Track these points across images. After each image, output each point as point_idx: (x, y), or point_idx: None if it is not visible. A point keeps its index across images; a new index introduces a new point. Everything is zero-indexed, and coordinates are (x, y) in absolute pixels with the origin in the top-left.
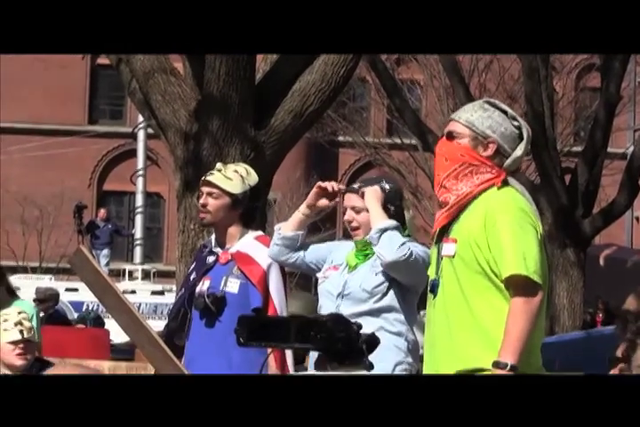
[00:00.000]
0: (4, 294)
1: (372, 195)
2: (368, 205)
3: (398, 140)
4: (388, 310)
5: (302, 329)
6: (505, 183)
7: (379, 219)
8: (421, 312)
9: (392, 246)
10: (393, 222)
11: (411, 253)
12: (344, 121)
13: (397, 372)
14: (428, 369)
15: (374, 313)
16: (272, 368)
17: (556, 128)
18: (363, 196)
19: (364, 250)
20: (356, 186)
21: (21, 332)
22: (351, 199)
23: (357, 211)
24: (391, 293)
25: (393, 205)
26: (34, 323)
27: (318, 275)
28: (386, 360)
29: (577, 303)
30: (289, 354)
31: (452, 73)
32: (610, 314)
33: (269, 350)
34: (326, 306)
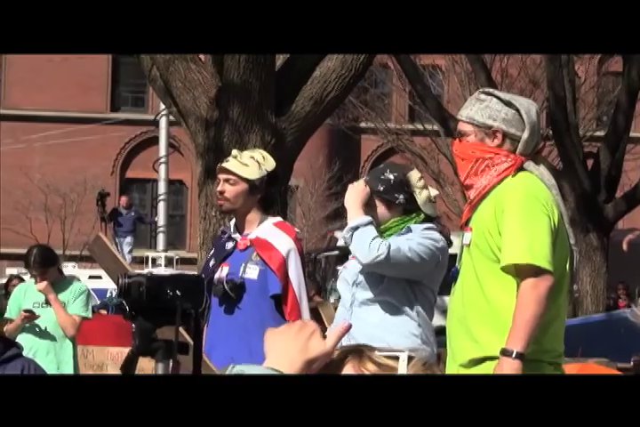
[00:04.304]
0: (56, 273)
1: (350, 192)
2: (345, 202)
3: (420, 126)
4: (396, 297)
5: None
6: (522, 169)
7: (350, 217)
8: (445, 298)
9: (362, 248)
10: (363, 220)
11: (388, 251)
12: (366, 107)
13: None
14: (448, 356)
15: (384, 301)
16: None
17: (578, 113)
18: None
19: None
20: (366, 177)
21: None
22: None
23: None
24: (386, 282)
25: (401, 193)
26: (81, 304)
27: (339, 267)
28: (399, 346)
29: (600, 288)
30: None
31: (473, 58)
32: (632, 299)
33: None
34: (344, 294)
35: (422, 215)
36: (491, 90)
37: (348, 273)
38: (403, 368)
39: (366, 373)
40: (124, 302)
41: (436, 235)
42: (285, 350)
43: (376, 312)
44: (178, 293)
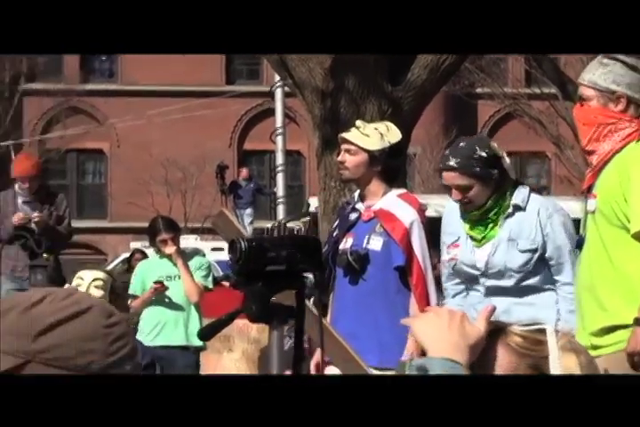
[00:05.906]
0: (179, 244)
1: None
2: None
3: (537, 90)
4: (538, 276)
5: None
6: None
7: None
8: None
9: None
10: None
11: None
12: (481, 73)
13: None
14: (578, 325)
15: (524, 285)
16: (414, 311)
17: None
18: (462, 173)
19: (482, 220)
20: (451, 163)
21: None
22: (451, 178)
23: (462, 189)
24: (540, 267)
25: (495, 168)
26: (203, 273)
27: (443, 258)
28: (547, 319)
29: None
30: (432, 293)
31: None
32: None
33: (413, 307)
34: (469, 284)
35: (511, 181)
36: (615, 55)
37: (466, 264)
38: (552, 340)
39: (513, 345)
40: (238, 266)
41: (542, 199)
42: (449, 340)
43: (517, 294)
44: (299, 255)
